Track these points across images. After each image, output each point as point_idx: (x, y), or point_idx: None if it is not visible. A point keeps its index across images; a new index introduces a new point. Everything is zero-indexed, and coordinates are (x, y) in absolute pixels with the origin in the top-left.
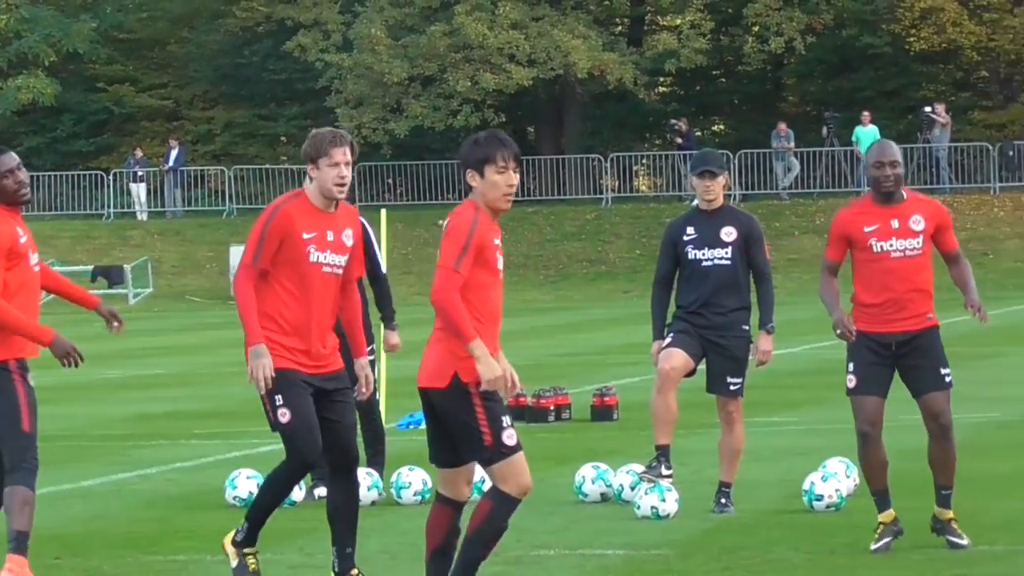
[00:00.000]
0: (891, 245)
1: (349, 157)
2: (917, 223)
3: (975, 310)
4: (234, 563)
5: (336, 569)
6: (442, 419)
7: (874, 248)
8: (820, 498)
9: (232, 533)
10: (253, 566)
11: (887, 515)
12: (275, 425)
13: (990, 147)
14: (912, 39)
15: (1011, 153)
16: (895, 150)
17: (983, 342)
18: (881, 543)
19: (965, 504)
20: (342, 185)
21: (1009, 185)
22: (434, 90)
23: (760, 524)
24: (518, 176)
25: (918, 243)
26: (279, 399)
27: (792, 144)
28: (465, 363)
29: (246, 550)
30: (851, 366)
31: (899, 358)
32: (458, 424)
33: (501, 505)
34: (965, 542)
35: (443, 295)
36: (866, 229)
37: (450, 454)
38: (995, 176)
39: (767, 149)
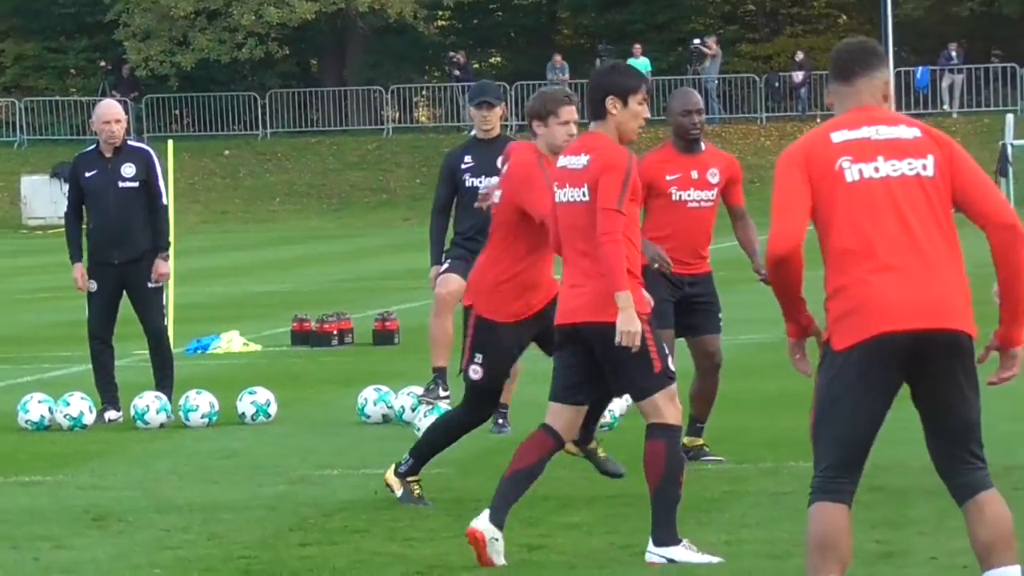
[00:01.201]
0: (689, 195)
1: (576, 116)
2: (714, 176)
3: (763, 277)
4: (399, 492)
5: None
6: (600, 352)
7: (672, 196)
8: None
9: (392, 467)
10: (418, 492)
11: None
12: (467, 377)
13: (757, 78)
14: None
15: (777, 84)
16: (699, 98)
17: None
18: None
19: (734, 423)
20: (568, 141)
21: (775, 115)
22: (220, 23)
23: None
24: None
25: (712, 195)
26: (479, 357)
27: (567, 76)
28: (634, 294)
29: (409, 479)
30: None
31: (684, 298)
32: (622, 355)
33: (671, 438)
34: (721, 458)
35: (609, 238)
36: (668, 177)
37: (580, 391)
38: (762, 106)
39: (543, 81)
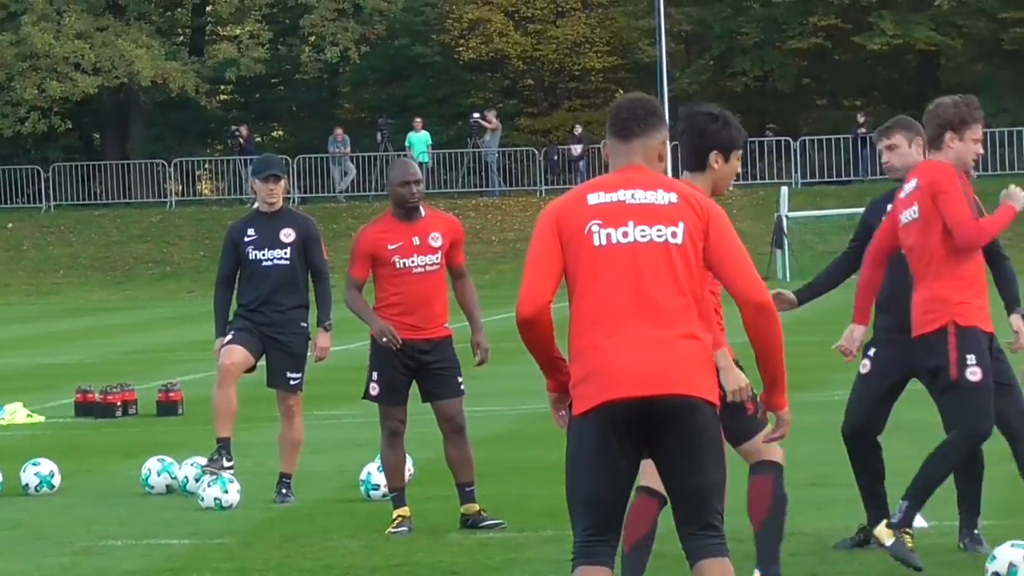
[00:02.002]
0: (412, 262)
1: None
2: (436, 239)
3: (479, 351)
4: (889, 542)
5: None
6: None
7: (396, 265)
8: (376, 487)
9: (884, 521)
10: (910, 543)
11: (403, 511)
12: None
13: (536, 152)
14: (461, 48)
15: (556, 157)
16: (416, 169)
17: None
18: (399, 529)
19: (513, 492)
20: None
21: (554, 187)
22: (2, 97)
23: (319, 513)
24: None
25: (437, 258)
26: None
27: (348, 149)
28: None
29: (905, 529)
30: (375, 375)
31: (421, 365)
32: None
33: (777, 474)
34: (502, 522)
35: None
36: (390, 247)
37: None
38: (541, 179)
39: (324, 154)
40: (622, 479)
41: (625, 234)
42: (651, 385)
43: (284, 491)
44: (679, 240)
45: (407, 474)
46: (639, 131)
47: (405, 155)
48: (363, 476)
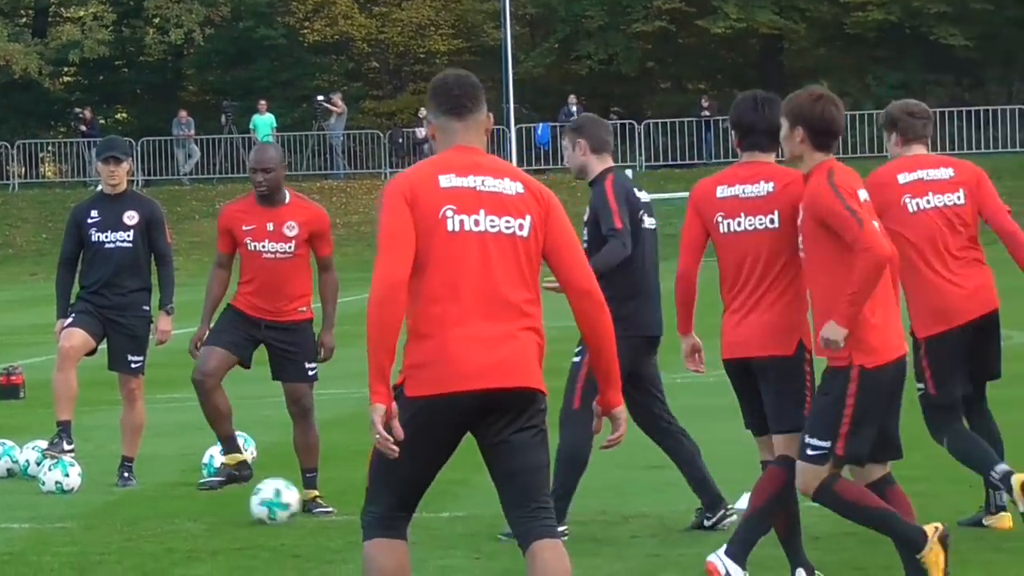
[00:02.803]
0: (263, 247)
1: None
2: (291, 228)
3: (324, 350)
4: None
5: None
6: (772, 386)
7: (248, 246)
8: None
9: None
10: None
11: (232, 457)
12: None
13: (381, 134)
14: (306, 31)
15: (400, 140)
16: (272, 156)
17: None
18: (212, 482)
19: (357, 475)
20: None
21: (398, 170)
22: None
23: (162, 496)
24: None
25: (290, 247)
26: None
27: (192, 131)
28: (806, 329)
29: None
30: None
31: (267, 343)
32: (789, 390)
33: (793, 475)
34: (332, 510)
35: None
36: (244, 228)
37: (762, 420)
38: (386, 162)
39: (168, 136)
40: (438, 464)
41: (477, 223)
42: (495, 378)
43: (126, 474)
44: (525, 233)
45: (249, 456)
46: (472, 107)
47: (250, 138)
48: (205, 459)
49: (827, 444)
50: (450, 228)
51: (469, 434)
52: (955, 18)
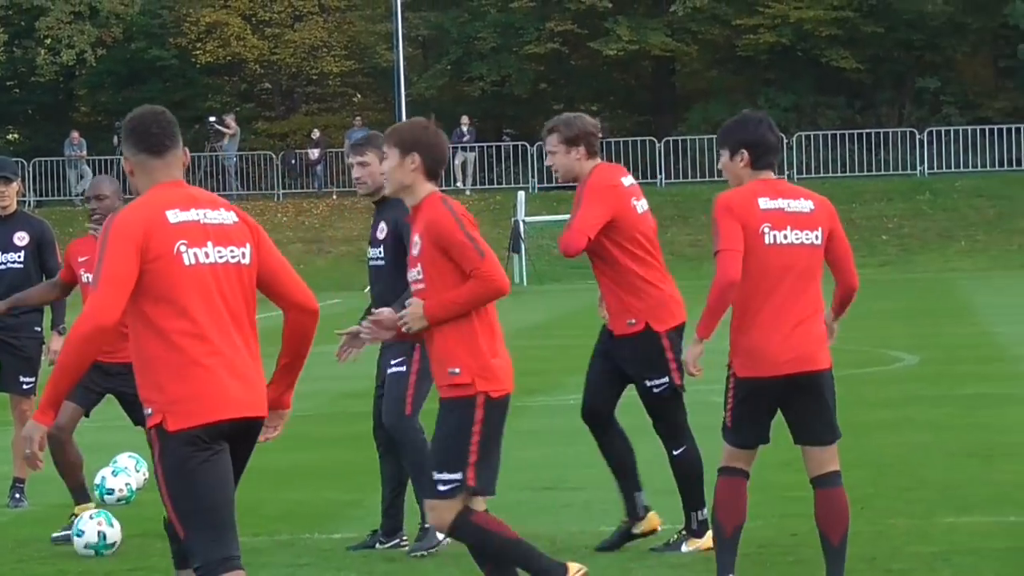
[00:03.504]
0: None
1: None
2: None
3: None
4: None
5: None
6: (820, 398)
7: (83, 278)
8: (111, 492)
9: None
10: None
11: (82, 507)
12: None
13: (274, 156)
14: (198, 52)
15: (293, 161)
16: (105, 186)
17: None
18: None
19: (248, 496)
20: None
21: (292, 192)
22: None
23: (53, 517)
24: None
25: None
26: None
27: (84, 152)
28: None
29: None
30: None
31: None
32: (824, 402)
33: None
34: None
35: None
36: (80, 259)
37: (766, 432)
38: (279, 183)
39: (60, 157)
40: (231, 481)
41: (207, 255)
42: (251, 407)
43: (17, 495)
44: (247, 261)
45: (142, 478)
46: (171, 144)
47: None
48: (97, 480)
49: (457, 476)
50: (186, 262)
51: (360, 459)
52: (846, 41)
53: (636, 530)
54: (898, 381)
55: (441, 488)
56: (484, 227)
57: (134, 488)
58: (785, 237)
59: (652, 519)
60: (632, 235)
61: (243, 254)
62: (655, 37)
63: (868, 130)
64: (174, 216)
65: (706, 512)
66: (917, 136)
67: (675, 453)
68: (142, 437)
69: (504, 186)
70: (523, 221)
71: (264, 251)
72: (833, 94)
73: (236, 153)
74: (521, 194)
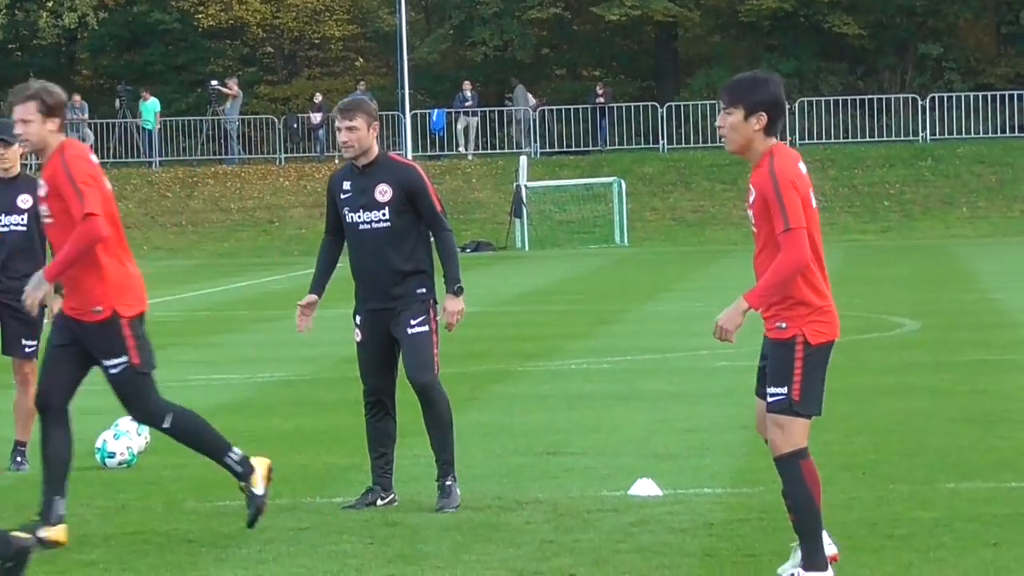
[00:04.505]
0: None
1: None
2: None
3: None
4: None
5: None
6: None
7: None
8: (112, 455)
9: None
10: None
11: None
12: None
13: (276, 120)
14: (200, 15)
15: (295, 125)
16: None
17: (271, 304)
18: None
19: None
20: None
21: (294, 156)
22: None
23: None
24: None
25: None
26: None
27: (86, 115)
28: None
29: None
30: None
31: None
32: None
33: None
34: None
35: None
36: None
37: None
38: (281, 147)
39: None
40: None
41: None
42: None
43: (19, 459)
44: None
45: (143, 442)
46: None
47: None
48: (98, 444)
49: None
50: None
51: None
52: (848, 7)
53: (42, 533)
54: (899, 347)
55: None
56: (485, 192)
57: (135, 452)
58: (815, 201)
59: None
60: None
61: None
62: (658, 2)
63: (870, 96)
64: None
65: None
66: (919, 102)
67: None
68: None
69: (506, 151)
70: (525, 186)
71: None
72: (835, 60)
73: (239, 117)
74: (523, 159)
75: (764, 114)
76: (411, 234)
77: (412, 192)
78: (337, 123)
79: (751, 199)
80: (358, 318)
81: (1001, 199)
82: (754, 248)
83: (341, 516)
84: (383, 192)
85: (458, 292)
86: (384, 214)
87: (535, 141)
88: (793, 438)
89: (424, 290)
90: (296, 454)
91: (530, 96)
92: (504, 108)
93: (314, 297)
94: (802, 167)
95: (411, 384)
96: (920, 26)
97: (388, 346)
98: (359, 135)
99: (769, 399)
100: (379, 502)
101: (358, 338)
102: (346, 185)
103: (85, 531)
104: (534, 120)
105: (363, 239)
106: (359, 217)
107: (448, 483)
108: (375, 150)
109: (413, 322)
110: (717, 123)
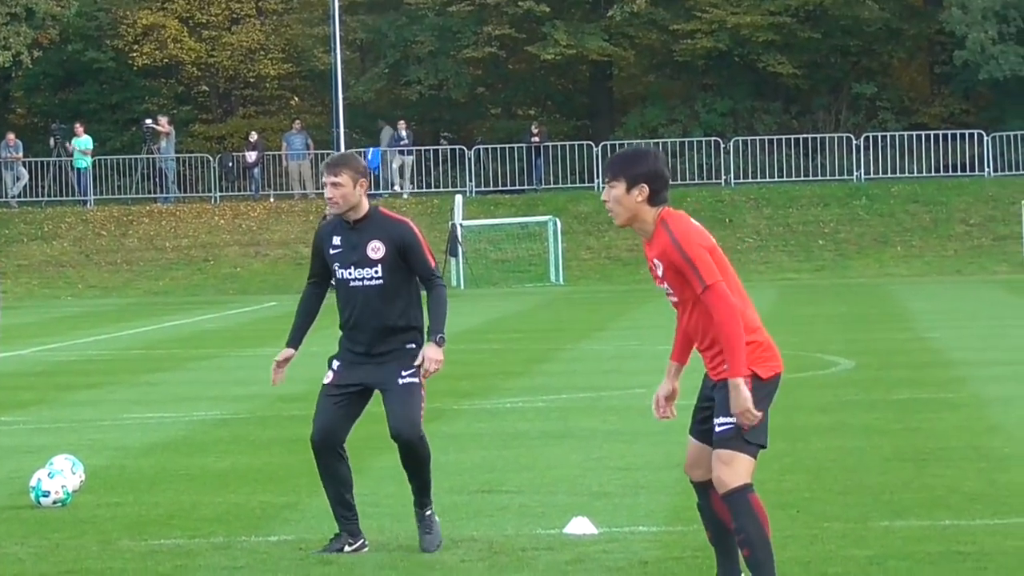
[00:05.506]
0: None
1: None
2: None
3: None
4: None
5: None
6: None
7: None
8: (47, 494)
9: None
10: None
11: None
12: None
13: (211, 158)
14: (135, 54)
15: (231, 164)
16: None
17: (205, 343)
18: None
19: (184, 499)
20: None
21: (229, 195)
22: None
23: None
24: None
25: None
26: None
27: (21, 154)
28: None
29: None
30: None
31: None
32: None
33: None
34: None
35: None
36: None
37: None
38: (216, 186)
39: None
40: None
41: None
42: None
43: None
44: None
45: (78, 480)
46: None
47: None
48: (33, 483)
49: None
50: None
51: (297, 462)
52: (783, 47)
53: None
54: (834, 386)
55: None
56: (423, 230)
57: (70, 490)
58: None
59: None
60: None
61: None
62: (592, 42)
63: (804, 135)
64: None
65: None
66: (853, 141)
67: None
68: (78, 439)
69: (441, 190)
70: (460, 225)
71: None
72: (770, 99)
73: (173, 156)
74: (459, 197)
75: (645, 185)
76: (404, 291)
77: (405, 248)
78: (323, 178)
79: (659, 272)
80: (335, 363)
81: (935, 238)
82: (677, 318)
83: (276, 555)
84: (375, 249)
85: (440, 343)
86: (377, 271)
87: (470, 180)
88: (739, 473)
89: (414, 345)
90: (230, 493)
91: (402, 131)
92: (439, 147)
93: (291, 351)
94: (693, 222)
95: (394, 437)
96: (854, 66)
97: (358, 395)
98: (344, 191)
99: (717, 428)
100: (346, 548)
101: (328, 380)
102: (336, 240)
103: (19, 570)
104: (469, 159)
105: (354, 295)
106: (350, 274)
107: (428, 512)
108: (365, 205)
109: (404, 372)
110: (602, 197)
